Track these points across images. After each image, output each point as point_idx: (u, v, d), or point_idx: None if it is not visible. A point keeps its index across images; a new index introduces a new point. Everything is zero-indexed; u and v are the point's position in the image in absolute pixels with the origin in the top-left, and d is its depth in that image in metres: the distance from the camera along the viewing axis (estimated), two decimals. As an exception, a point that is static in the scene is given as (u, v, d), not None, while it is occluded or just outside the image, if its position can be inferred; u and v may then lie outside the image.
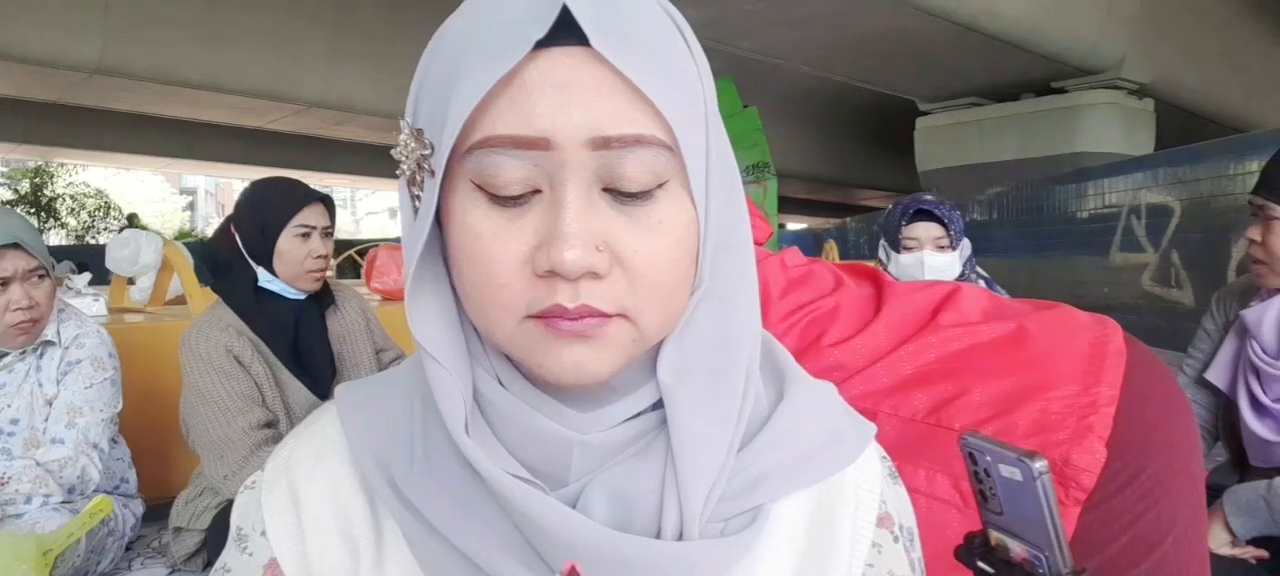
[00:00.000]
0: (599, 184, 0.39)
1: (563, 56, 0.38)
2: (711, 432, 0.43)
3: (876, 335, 0.92)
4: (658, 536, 0.42)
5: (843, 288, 1.00)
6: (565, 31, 0.37)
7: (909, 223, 2.01)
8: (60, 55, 8.27)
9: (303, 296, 1.77)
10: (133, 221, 12.17)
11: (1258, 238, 1.43)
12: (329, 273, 1.86)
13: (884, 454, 0.53)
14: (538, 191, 0.39)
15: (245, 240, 1.72)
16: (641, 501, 0.42)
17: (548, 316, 0.39)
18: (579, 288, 0.38)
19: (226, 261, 1.74)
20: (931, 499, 0.82)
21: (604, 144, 0.38)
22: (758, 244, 1.13)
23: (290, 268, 1.72)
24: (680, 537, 0.42)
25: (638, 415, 0.44)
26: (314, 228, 1.73)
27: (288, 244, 1.71)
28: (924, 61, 9.51)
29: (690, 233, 0.41)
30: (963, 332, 0.91)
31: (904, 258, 2.01)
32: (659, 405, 0.44)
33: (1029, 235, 8.78)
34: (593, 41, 0.37)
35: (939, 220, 2.00)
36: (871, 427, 0.51)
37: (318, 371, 1.78)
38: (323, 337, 1.82)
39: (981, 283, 2.15)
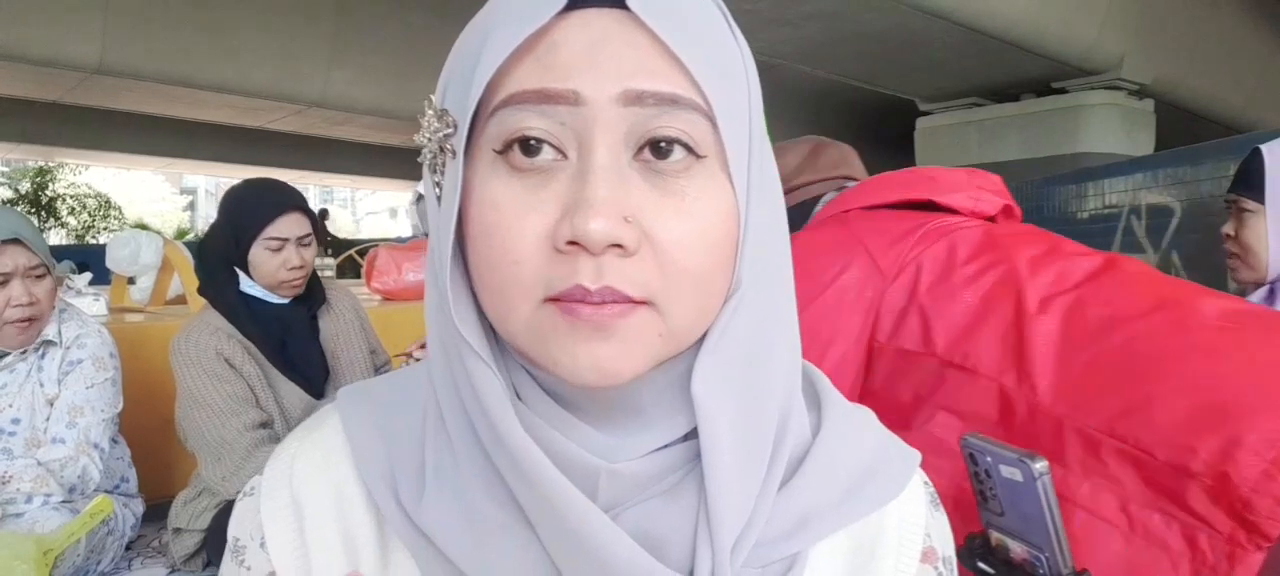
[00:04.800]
0: (631, 148, 0.36)
1: (595, 16, 0.36)
2: (745, 463, 0.40)
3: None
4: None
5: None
6: None
7: None
8: (60, 55, 8.26)
9: (286, 301, 1.75)
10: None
11: (1231, 232, 1.51)
12: (328, 272, 1.85)
13: (926, 479, 0.50)
14: (563, 158, 0.36)
15: (222, 245, 1.70)
16: (673, 541, 0.39)
17: (567, 300, 0.35)
18: (603, 265, 0.35)
19: (214, 264, 1.72)
20: (1094, 517, 0.76)
21: (637, 99, 0.35)
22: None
23: (263, 278, 1.70)
24: None
25: (670, 445, 0.40)
26: (287, 240, 1.68)
27: (258, 255, 1.68)
28: (924, 61, 9.50)
29: (729, 221, 0.38)
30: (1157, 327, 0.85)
31: None
32: (690, 437, 0.40)
33: (1029, 235, 8.77)
34: (629, 1, 0.35)
35: None
36: (916, 455, 0.48)
37: (311, 373, 1.77)
38: (314, 339, 1.80)
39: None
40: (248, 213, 1.69)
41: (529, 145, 0.36)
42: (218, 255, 1.72)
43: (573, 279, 0.35)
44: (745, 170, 0.38)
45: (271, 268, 1.69)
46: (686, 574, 0.39)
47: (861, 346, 0.99)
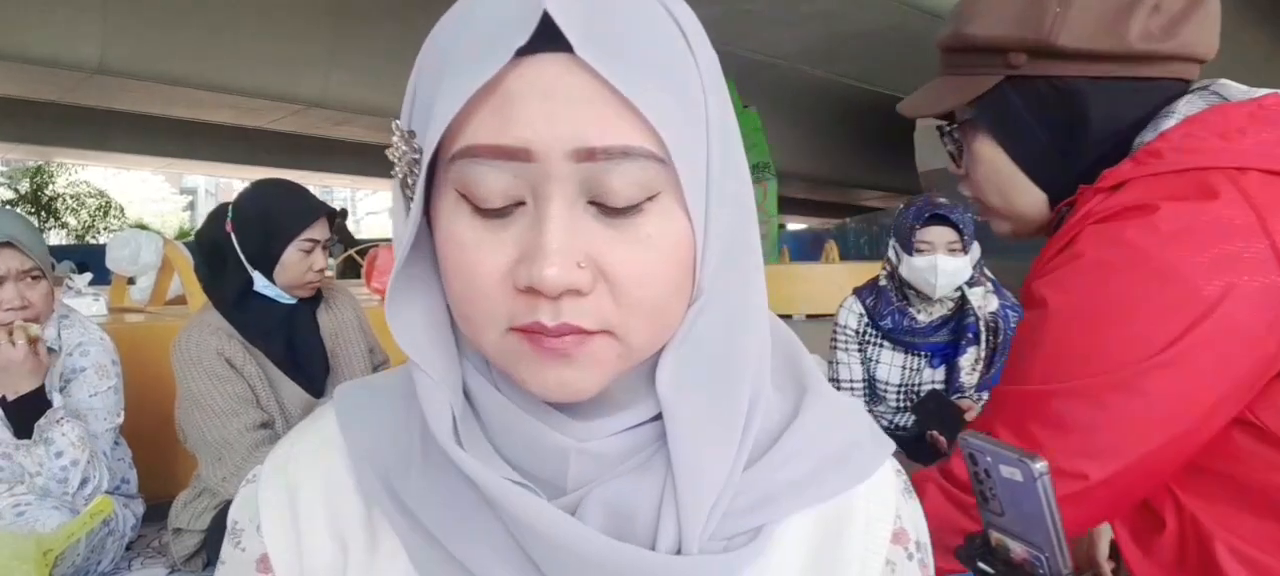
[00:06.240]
0: (584, 196, 0.37)
1: (547, 64, 0.36)
2: (713, 448, 0.41)
3: None
4: (653, 550, 0.41)
5: None
6: (550, 37, 0.36)
7: (923, 226, 2.01)
8: (60, 55, 8.26)
9: (294, 300, 1.77)
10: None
11: None
12: (329, 273, 1.86)
13: (899, 468, 0.51)
14: (521, 203, 0.38)
15: (246, 245, 1.69)
16: (640, 515, 0.41)
17: (530, 331, 0.38)
18: (561, 305, 0.37)
19: (221, 262, 1.72)
20: None
21: (588, 155, 0.36)
22: None
23: (290, 279, 1.71)
24: (678, 553, 0.41)
25: (639, 425, 0.43)
26: (317, 242, 1.73)
27: (292, 257, 1.70)
28: (924, 61, 9.50)
29: (683, 246, 0.39)
30: None
31: (917, 261, 2.01)
32: (660, 416, 0.42)
33: (1029, 235, 8.76)
34: (577, 48, 0.35)
35: (952, 224, 2.00)
36: (889, 444, 0.49)
37: (313, 371, 1.78)
38: (316, 337, 1.82)
39: (990, 285, 2.15)
40: (286, 214, 1.71)
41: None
42: (234, 254, 1.71)
43: (532, 316, 0.38)
44: (703, 193, 0.40)
45: (302, 270, 1.72)
46: (651, 546, 0.41)
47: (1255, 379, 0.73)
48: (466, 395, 0.44)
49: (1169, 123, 0.81)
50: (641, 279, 0.38)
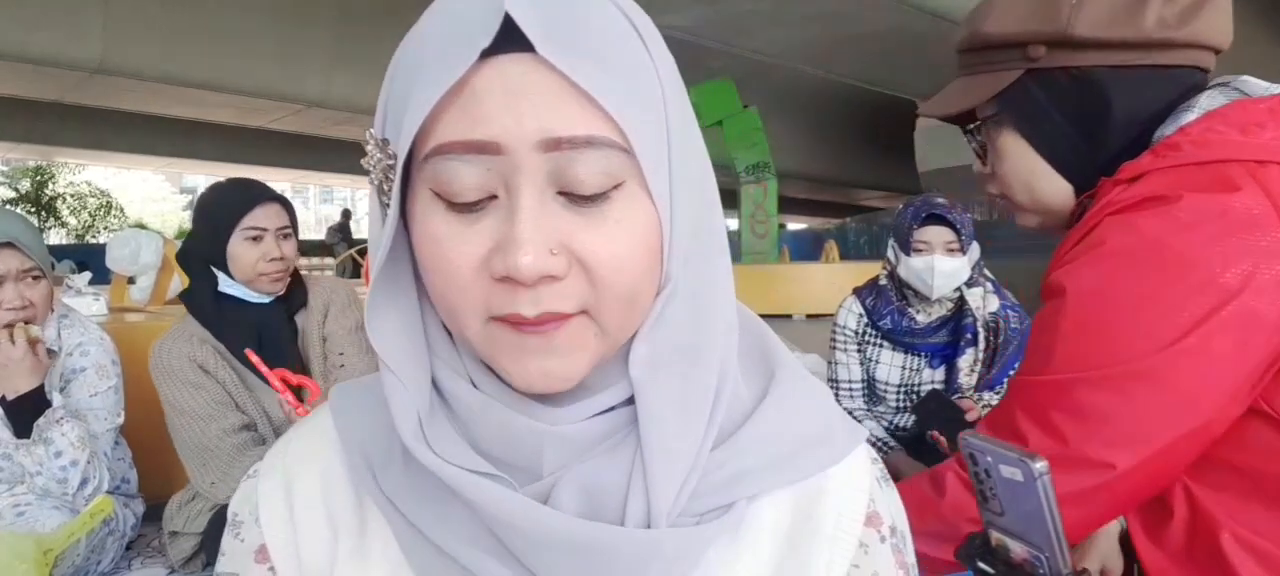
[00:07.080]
0: (553, 187, 0.39)
1: (511, 63, 0.38)
2: (683, 427, 0.43)
3: None
4: (622, 526, 0.42)
5: None
6: (513, 37, 0.37)
7: (920, 226, 2.01)
8: (60, 55, 8.26)
9: (267, 299, 1.72)
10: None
11: None
12: (329, 272, 1.84)
13: (876, 457, 0.53)
14: (494, 197, 0.39)
15: (202, 245, 1.69)
16: (611, 493, 0.43)
17: (510, 321, 0.40)
18: (538, 293, 0.39)
19: (195, 267, 1.71)
20: None
21: (555, 145, 0.38)
22: None
23: (243, 271, 1.67)
24: (647, 527, 0.42)
25: (611, 409, 0.44)
26: (266, 230, 1.66)
27: (238, 247, 1.65)
28: (924, 61, 9.50)
29: (650, 231, 0.41)
30: None
31: (914, 261, 2.00)
32: (632, 400, 0.44)
33: (1029, 235, 8.75)
34: (538, 47, 0.37)
35: (950, 224, 2.00)
36: (862, 431, 0.51)
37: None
38: (292, 341, 1.77)
39: (990, 286, 2.15)
40: (225, 205, 1.67)
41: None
42: (197, 256, 1.70)
43: (512, 307, 0.39)
44: (666, 182, 0.41)
45: (251, 260, 1.66)
46: (619, 522, 0.42)
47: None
48: (441, 392, 0.45)
49: (1189, 116, 0.82)
50: (614, 262, 0.39)
